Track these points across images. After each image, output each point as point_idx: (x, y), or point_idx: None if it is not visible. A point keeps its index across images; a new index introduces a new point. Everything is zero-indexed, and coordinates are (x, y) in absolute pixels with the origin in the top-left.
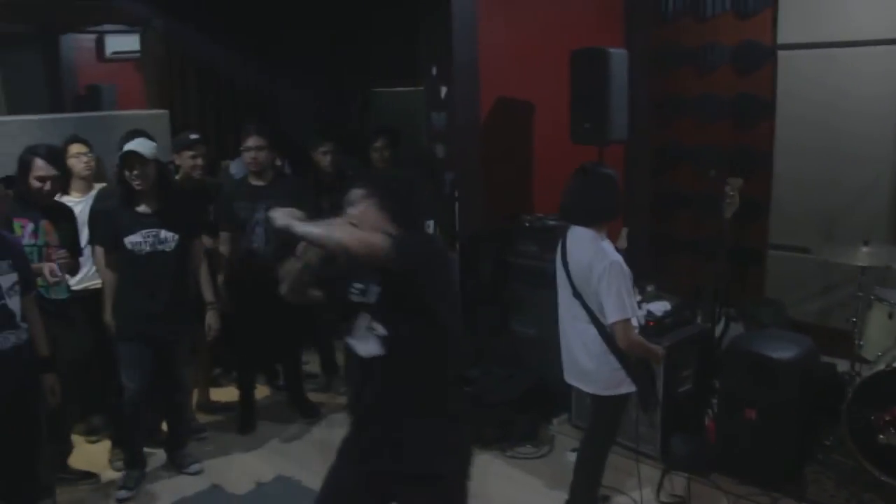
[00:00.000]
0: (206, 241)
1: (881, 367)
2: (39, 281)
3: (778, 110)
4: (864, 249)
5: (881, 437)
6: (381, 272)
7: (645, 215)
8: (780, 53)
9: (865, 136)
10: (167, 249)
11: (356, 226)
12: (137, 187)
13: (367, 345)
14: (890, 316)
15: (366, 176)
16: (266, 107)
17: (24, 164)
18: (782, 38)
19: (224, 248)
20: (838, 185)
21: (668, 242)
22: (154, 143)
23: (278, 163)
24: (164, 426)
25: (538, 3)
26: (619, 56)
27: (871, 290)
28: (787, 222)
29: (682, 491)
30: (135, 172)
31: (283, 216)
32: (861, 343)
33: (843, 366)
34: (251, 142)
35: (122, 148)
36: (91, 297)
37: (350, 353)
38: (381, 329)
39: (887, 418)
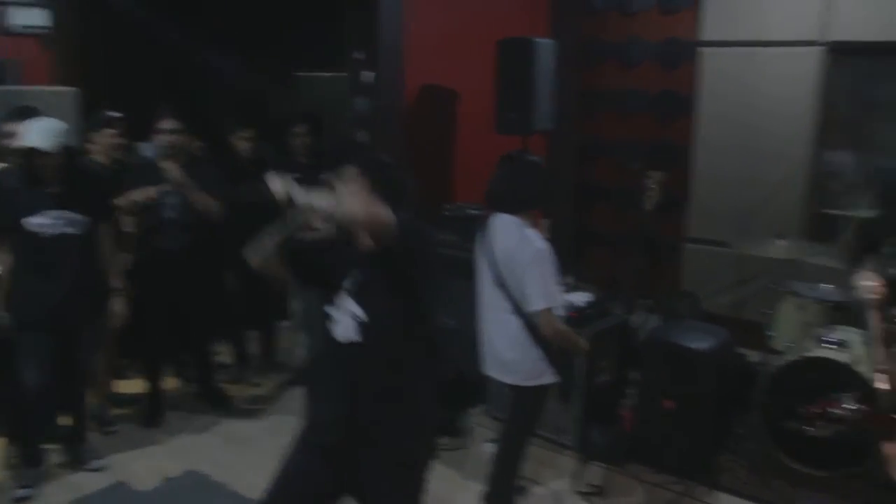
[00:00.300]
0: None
1: (791, 357)
2: None
3: (698, 107)
4: (778, 243)
5: (810, 428)
6: (371, 253)
7: (567, 207)
8: (703, 51)
9: (782, 135)
10: (75, 232)
11: None
12: (47, 173)
13: (345, 330)
14: (800, 308)
15: (358, 155)
16: (184, 89)
17: None
18: (705, 35)
19: (129, 230)
20: (755, 182)
21: (589, 234)
22: (58, 126)
23: (195, 146)
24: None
25: None
26: (545, 46)
27: (784, 283)
28: (705, 216)
29: (600, 481)
30: (41, 161)
31: (284, 185)
32: (772, 334)
33: (754, 356)
34: (166, 124)
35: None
36: None
37: (322, 340)
38: (360, 313)
39: (817, 411)
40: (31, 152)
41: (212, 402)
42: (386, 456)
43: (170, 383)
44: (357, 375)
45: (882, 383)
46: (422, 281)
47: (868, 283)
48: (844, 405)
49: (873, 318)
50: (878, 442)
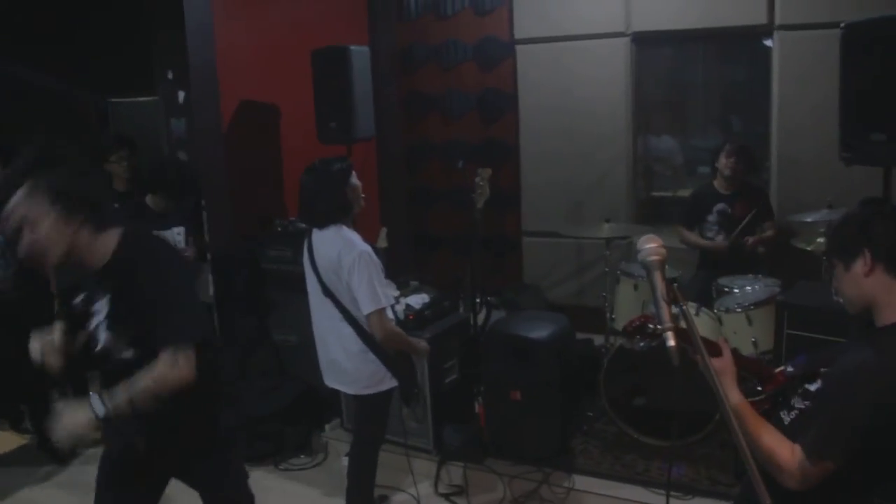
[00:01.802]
0: None
1: None
2: None
3: (520, 103)
4: (607, 226)
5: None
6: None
7: (402, 212)
8: (518, 48)
9: (601, 124)
10: None
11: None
12: None
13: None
14: (636, 288)
15: (29, 173)
16: None
17: None
18: (519, 33)
19: None
20: (581, 171)
21: (427, 237)
22: None
23: None
24: None
25: (278, 3)
26: (360, 53)
27: (618, 265)
28: (538, 209)
29: (460, 480)
30: None
31: None
32: (613, 317)
33: (599, 340)
34: None
35: None
36: None
37: None
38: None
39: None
40: None
41: (51, 453)
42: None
43: (4, 438)
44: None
45: (671, 341)
46: (160, 295)
47: (650, 245)
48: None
49: (657, 279)
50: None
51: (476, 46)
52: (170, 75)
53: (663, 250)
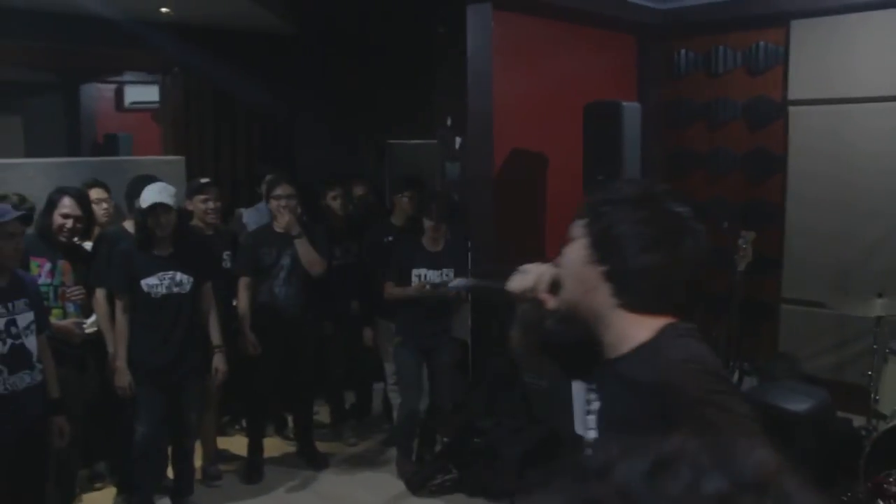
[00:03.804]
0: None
1: None
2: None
3: (789, 164)
4: (879, 301)
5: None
6: None
7: None
8: (791, 109)
9: (877, 191)
10: (182, 292)
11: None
12: (160, 233)
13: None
14: None
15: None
16: (282, 156)
17: (52, 202)
18: (793, 94)
19: (244, 295)
20: (851, 239)
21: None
22: (173, 189)
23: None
24: (170, 473)
25: (553, 57)
26: (631, 109)
27: (887, 343)
28: (800, 276)
29: None
30: (161, 222)
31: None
32: (877, 397)
33: (859, 421)
34: (281, 190)
35: (134, 191)
36: (100, 341)
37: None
38: None
39: (870, 485)
40: (155, 209)
41: (309, 460)
42: None
43: (269, 441)
44: None
45: None
46: None
47: None
48: None
49: None
50: None
51: (746, 105)
52: (448, 121)
53: None
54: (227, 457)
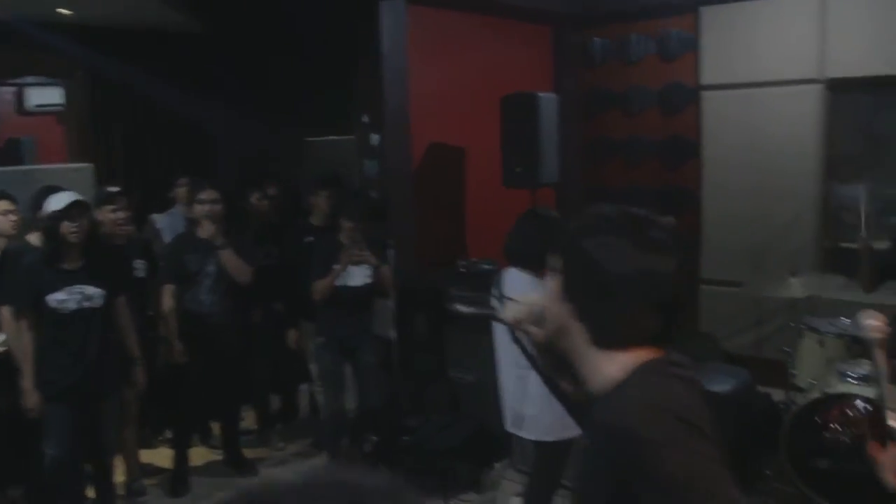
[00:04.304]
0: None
1: (815, 394)
2: None
3: (704, 149)
4: (793, 280)
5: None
6: None
7: None
8: (704, 94)
9: (789, 172)
10: (94, 306)
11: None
12: (73, 240)
13: None
14: (821, 344)
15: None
16: (197, 159)
17: None
18: (705, 79)
19: (169, 303)
20: (766, 219)
21: None
22: (83, 198)
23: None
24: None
25: (469, 51)
26: (548, 100)
27: (802, 319)
28: (718, 258)
29: None
30: (75, 224)
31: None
32: (794, 372)
33: (778, 395)
34: (206, 195)
35: (39, 203)
36: (10, 360)
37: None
38: None
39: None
40: (71, 209)
41: (237, 468)
42: None
43: (195, 451)
44: None
45: (894, 421)
46: None
47: (872, 322)
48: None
49: (879, 357)
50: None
51: (661, 92)
52: (365, 118)
53: (887, 328)
54: (150, 470)
